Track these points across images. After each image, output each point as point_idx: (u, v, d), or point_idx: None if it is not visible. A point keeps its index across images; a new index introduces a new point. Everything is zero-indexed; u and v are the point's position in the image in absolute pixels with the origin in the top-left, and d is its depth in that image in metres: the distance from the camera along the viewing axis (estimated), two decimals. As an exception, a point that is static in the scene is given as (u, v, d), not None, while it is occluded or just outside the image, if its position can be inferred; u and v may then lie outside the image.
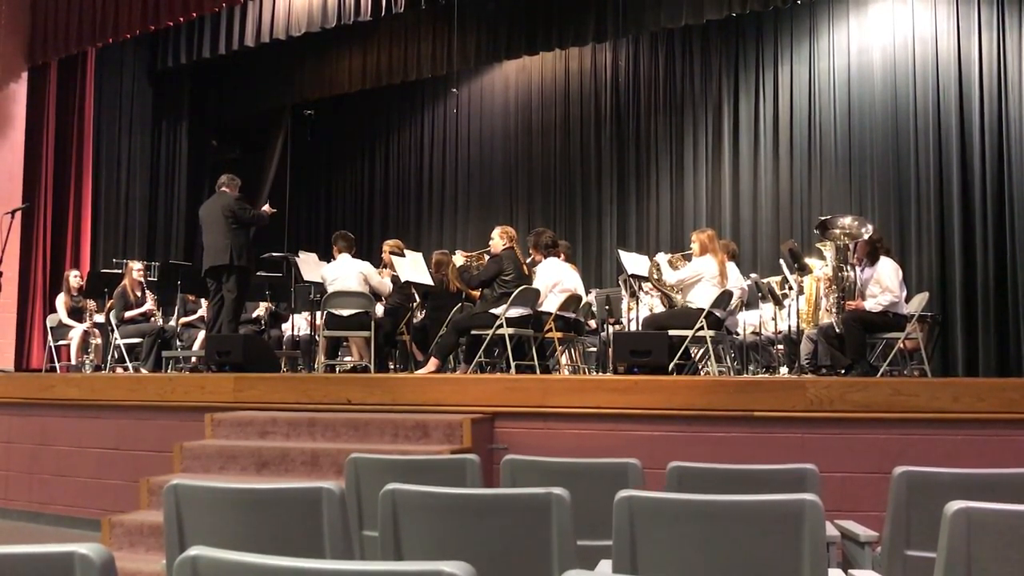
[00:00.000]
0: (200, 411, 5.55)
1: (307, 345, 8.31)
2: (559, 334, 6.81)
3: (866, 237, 6.18)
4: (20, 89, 10.19)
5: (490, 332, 6.44)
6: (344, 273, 7.28)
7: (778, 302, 8.00)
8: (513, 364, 6.43)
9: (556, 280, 6.89)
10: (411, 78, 11.89)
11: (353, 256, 7.49)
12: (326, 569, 1.46)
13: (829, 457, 4.44)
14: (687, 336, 6.20)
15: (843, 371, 6.00)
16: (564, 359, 7.48)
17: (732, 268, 6.74)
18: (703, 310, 6.24)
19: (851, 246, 6.18)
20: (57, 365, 8.44)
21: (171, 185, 12.53)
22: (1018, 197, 9.39)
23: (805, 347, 7.19)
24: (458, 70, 11.94)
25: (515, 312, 6.51)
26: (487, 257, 7.32)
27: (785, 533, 2.08)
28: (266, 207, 7.84)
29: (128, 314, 8.29)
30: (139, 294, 8.51)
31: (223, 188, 7.58)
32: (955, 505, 1.98)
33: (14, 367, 9.46)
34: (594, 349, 8.87)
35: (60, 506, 6.18)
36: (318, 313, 7.49)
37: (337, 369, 7.68)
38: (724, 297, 6.41)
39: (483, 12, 11.05)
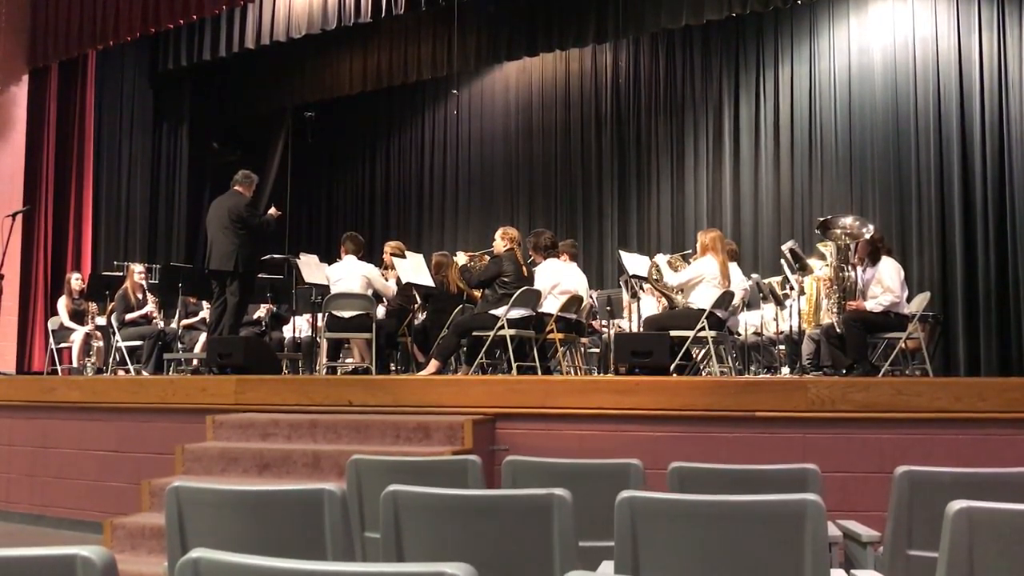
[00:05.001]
0: (201, 413, 5.55)
1: (308, 347, 8.31)
2: (560, 335, 6.81)
3: (867, 237, 6.18)
4: (21, 92, 10.20)
5: (491, 334, 6.44)
6: (347, 275, 7.27)
7: (779, 302, 8.00)
8: (514, 365, 6.43)
9: (555, 282, 6.88)
10: (411, 80, 11.90)
11: (359, 259, 7.48)
12: (328, 571, 1.46)
13: (831, 457, 4.43)
14: (688, 337, 6.20)
15: (844, 371, 6.00)
16: (565, 360, 7.47)
17: (734, 269, 6.74)
18: (704, 310, 6.24)
19: (852, 246, 6.18)
20: (59, 368, 8.44)
21: (172, 187, 12.54)
22: (1019, 196, 9.39)
23: (806, 347, 7.19)
24: (458, 71, 11.95)
25: (516, 313, 6.51)
26: (488, 258, 7.32)
27: (787, 533, 2.07)
28: (272, 210, 7.59)
29: (129, 316, 8.28)
30: (140, 296, 8.51)
31: (236, 188, 7.34)
32: (957, 505, 1.98)
33: (16, 370, 9.46)
34: (596, 350, 8.87)
35: (62, 508, 6.18)
36: (319, 315, 7.49)
37: (338, 371, 7.68)
38: (725, 297, 6.41)
39: (483, 13, 11.05)
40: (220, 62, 11.24)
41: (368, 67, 12.02)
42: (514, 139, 13.14)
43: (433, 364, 6.64)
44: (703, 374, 6.88)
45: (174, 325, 8.33)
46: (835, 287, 6.23)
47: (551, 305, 6.80)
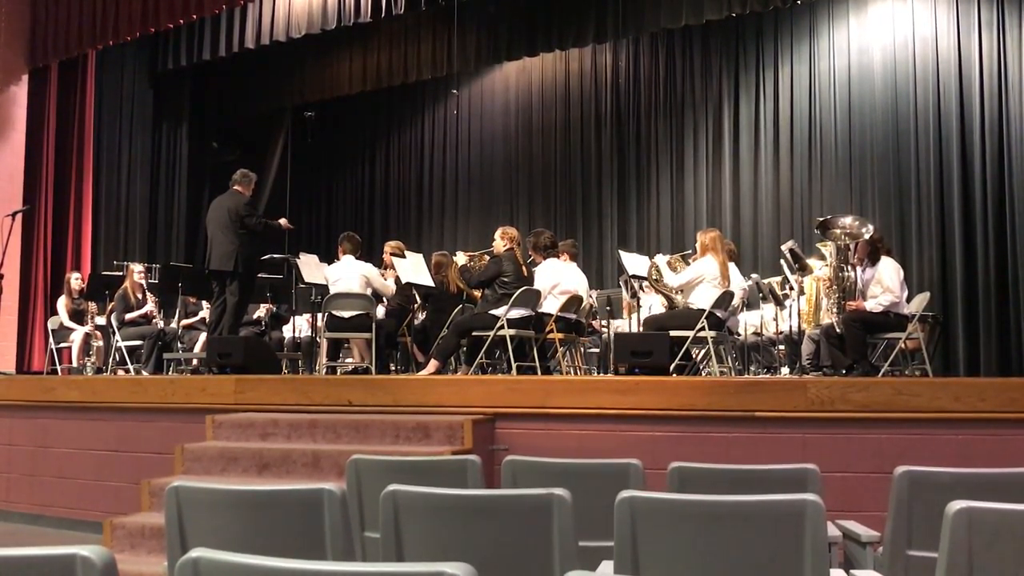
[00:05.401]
0: (201, 413, 5.55)
1: (308, 347, 8.31)
2: (560, 335, 6.81)
3: (867, 237, 6.18)
4: (21, 91, 10.20)
5: (491, 334, 6.44)
6: (346, 275, 7.28)
7: (779, 302, 8.00)
8: (514, 365, 6.43)
9: (555, 282, 6.88)
10: (411, 79, 11.90)
11: (357, 258, 7.48)
12: (327, 571, 1.46)
13: (830, 457, 4.43)
14: (688, 337, 6.20)
15: (844, 371, 6.00)
16: (565, 360, 7.48)
17: (733, 269, 6.74)
18: (704, 311, 6.25)
19: (852, 246, 6.18)
20: (59, 367, 8.44)
21: (172, 187, 12.55)
22: (1018, 196, 9.39)
23: (806, 347, 7.19)
24: (458, 71, 11.95)
25: (516, 313, 6.51)
26: (488, 258, 7.32)
27: (786, 533, 2.08)
28: (283, 221, 7.62)
29: (129, 316, 8.28)
30: (140, 296, 8.50)
31: (236, 187, 7.35)
32: (956, 505, 1.98)
33: (16, 370, 9.46)
34: (596, 350, 8.87)
35: (61, 508, 6.18)
36: (319, 315, 7.49)
37: (338, 371, 7.68)
38: (725, 298, 6.41)
39: (483, 13, 11.05)
40: (220, 62, 11.24)
41: (368, 67, 12.02)
42: (514, 139, 13.13)
43: (433, 364, 6.64)
44: (703, 374, 6.89)
45: (174, 325, 8.33)
46: (835, 287, 6.23)
47: (551, 305, 6.80)
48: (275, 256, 8.51)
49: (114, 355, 8.14)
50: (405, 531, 2.25)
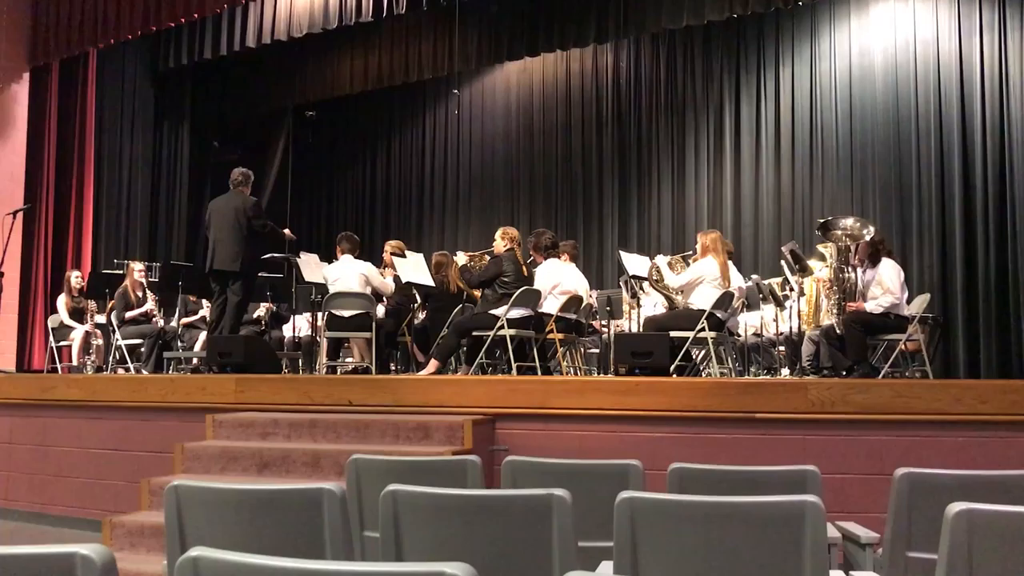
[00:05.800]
0: (201, 412, 5.55)
1: (308, 346, 8.31)
2: (560, 335, 6.81)
3: (867, 238, 6.18)
4: (22, 90, 10.21)
5: (491, 334, 6.43)
6: (345, 274, 7.27)
7: (779, 303, 8.00)
8: (514, 365, 6.43)
9: (555, 282, 6.88)
10: (412, 79, 11.90)
11: (356, 258, 7.48)
12: (327, 570, 1.46)
13: (830, 458, 4.43)
14: (688, 337, 6.20)
15: (844, 373, 6.00)
16: (565, 361, 7.47)
17: (732, 269, 6.74)
18: (704, 311, 6.24)
19: (852, 247, 6.18)
20: (59, 366, 8.44)
21: (172, 186, 12.56)
22: (1019, 198, 9.40)
23: (806, 348, 7.19)
24: (459, 71, 11.97)
25: (516, 313, 6.50)
26: (488, 258, 7.32)
27: (786, 535, 2.07)
28: (287, 231, 7.71)
29: (129, 315, 8.28)
30: (140, 295, 8.50)
31: (240, 188, 7.37)
32: (956, 507, 1.98)
33: (16, 368, 9.46)
34: (596, 350, 8.87)
35: (61, 507, 6.18)
36: (319, 314, 7.49)
37: (338, 370, 7.68)
38: (725, 298, 6.41)
39: (484, 13, 11.06)
40: (221, 61, 11.24)
41: (369, 67, 12.03)
42: (515, 139, 13.14)
43: (433, 364, 6.64)
44: (703, 375, 6.88)
45: (174, 323, 8.33)
46: (835, 288, 6.23)
47: (551, 305, 6.80)
48: (275, 255, 8.51)
49: (114, 354, 8.13)
50: (405, 531, 2.25)
